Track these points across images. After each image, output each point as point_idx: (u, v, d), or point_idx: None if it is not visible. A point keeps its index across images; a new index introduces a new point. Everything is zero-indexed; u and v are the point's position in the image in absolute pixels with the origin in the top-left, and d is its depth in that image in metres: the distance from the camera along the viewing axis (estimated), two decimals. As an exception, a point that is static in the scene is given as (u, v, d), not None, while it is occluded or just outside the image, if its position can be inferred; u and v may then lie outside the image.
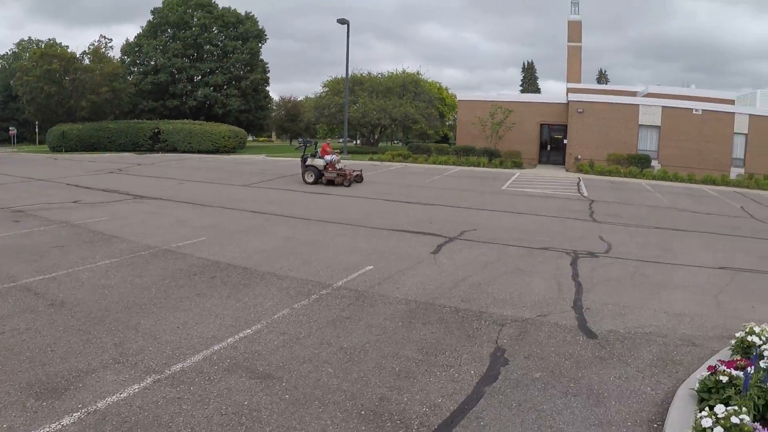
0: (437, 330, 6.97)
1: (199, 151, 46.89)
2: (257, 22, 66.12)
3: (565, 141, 40.31)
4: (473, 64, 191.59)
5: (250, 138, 77.64)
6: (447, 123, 76.26)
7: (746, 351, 5.80)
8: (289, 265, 9.93)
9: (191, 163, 34.58)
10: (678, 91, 47.79)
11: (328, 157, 24.09)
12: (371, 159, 39.40)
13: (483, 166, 36.53)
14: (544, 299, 8.40)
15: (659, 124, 37.83)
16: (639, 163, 35.90)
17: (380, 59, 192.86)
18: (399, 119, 53.07)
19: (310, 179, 23.74)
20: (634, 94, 46.92)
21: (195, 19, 62.00)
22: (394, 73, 59.07)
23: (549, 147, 43.86)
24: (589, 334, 7.01)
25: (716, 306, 8.64)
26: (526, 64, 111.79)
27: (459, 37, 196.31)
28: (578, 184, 28.64)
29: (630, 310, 8.08)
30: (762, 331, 5.87)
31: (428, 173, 31.26)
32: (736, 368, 5.05)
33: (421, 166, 36.62)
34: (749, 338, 5.86)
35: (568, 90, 47.11)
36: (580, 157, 37.47)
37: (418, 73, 60.29)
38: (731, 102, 43.38)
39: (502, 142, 40.66)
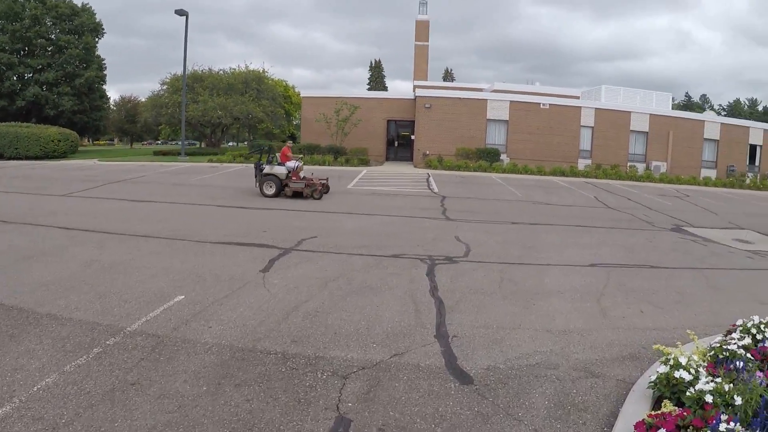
0: (255, 395, 4.97)
1: (27, 157, 41.12)
2: (94, 14, 60.06)
3: (412, 137, 39.82)
4: (322, 64, 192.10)
5: (88, 141, 70.22)
6: (294, 122, 74.38)
7: (675, 392, 4.39)
8: (78, 301, 7.34)
9: (10, 171, 29.61)
10: (523, 88, 49.99)
11: (290, 164, 20.17)
12: (210, 161, 36.36)
13: (329, 165, 34.96)
14: (399, 328, 6.74)
15: (507, 119, 38.63)
16: (488, 157, 36.11)
17: (231, 58, 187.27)
18: (241, 118, 50.25)
19: (270, 191, 19.46)
20: (480, 91, 47.73)
21: (27, 10, 55.11)
22: (237, 70, 56.02)
23: (396, 143, 43.25)
24: (462, 378, 5.41)
25: (602, 315, 7.64)
26: (373, 62, 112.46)
27: (309, 37, 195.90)
28: (427, 180, 27.83)
29: (507, 333, 6.69)
30: (689, 362, 4.53)
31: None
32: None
33: (263, 166, 34.62)
34: (676, 374, 4.46)
35: (416, 87, 47.02)
36: (428, 152, 37.09)
37: (263, 70, 57.57)
38: (576, 98, 45.88)
39: (349, 140, 39.38)
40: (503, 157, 37.64)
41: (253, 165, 21.45)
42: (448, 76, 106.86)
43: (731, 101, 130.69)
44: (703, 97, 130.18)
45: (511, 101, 39.01)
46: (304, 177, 19.96)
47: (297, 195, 19.22)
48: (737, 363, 4.86)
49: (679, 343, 5.83)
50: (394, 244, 11.71)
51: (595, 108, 39.77)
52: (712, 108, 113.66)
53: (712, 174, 41.20)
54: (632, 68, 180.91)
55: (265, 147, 22.70)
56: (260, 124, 53.58)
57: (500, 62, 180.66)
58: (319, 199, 19.07)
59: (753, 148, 44.54)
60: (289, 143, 22.43)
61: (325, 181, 20.20)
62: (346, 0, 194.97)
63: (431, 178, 28.46)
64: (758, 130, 45.35)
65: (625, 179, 35.22)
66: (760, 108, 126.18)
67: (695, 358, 4.95)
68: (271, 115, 52.82)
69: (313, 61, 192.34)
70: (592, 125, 39.28)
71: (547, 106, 38.55)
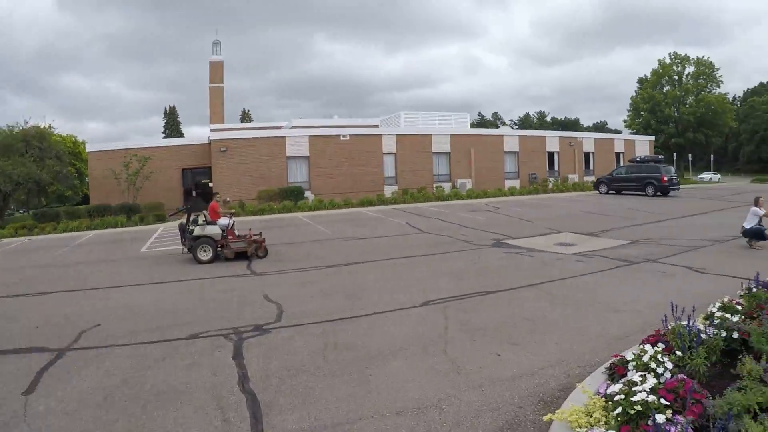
0: None
1: None
2: None
3: (211, 185, 37.32)
4: (116, 115, 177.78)
5: None
6: (87, 181, 67.70)
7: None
8: None
9: None
10: (322, 122, 49.87)
11: (223, 221, 16.97)
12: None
13: (122, 226, 31.25)
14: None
15: (308, 154, 37.67)
16: (292, 196, 34.71)
17: (17, 115, 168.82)
18: (23, 183, 44.32)
19: (206, 256, 16.09)
20: (279, 128, 46.39)
21: None
22: (13, 129, 49.39)
23: (195, 193, 40.31)
24: None
25: (456, 371, 6.36)
26: (167, 109, 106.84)
27: (101, 86, 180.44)
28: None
29: (347, 430, 5.02)
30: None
31: (57, 245, 24.64)
32: None
33: (49, 237, 29.63)
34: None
35: (212, 131, 44.53)
36: (228, 199, 34.75)
37: (48, 126, 51.42)
38: (376, 126, 46.47)
39: (143, 195, 35.91)
40: (308, 194, 36.47)
41: (178, 227, 17.80)
42: (245, 117, 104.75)
43: (521, 116, 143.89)
44: (495, 114, 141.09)
45: (310, 136, 38.14)
46: (241, 235, 16.86)
47: (240, 256, 16.11)
48: (655, 417, 3.90)
49: (572, 404, 4.62)
50: (192, 318, 9.41)
51: (396, 134, 40.37)
52: (504, 123, 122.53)
53: (516, 184, 43.46)
54: (428, 95, 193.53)
55: (183, 206, 18.86)
56: (50, 187, 47.83)
57: (299, 100, 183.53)
58: (264, 257, 16.24)
59: (551, 155, 48.21)
60: (218, 197, 18.81)
61: (258, 236, 17.08)
62: (138, 43, 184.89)
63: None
64: (554, 138, 49.36)
65: (433, 200, 35.69)
66: (548, 119, 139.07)
67: (597, 416, 4.09)
68: (59, 176, 47.43)
69: (106, 113, 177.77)
70: (395, 151, 39.76)
71: (348, 137, 38.23)
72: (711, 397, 4.40)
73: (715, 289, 10.09)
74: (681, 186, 40.71)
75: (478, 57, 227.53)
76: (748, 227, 15.12)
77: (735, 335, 5.77)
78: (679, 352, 5.20)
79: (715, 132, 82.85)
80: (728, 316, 6.15)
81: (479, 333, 7.62)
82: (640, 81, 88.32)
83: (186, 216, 17.16)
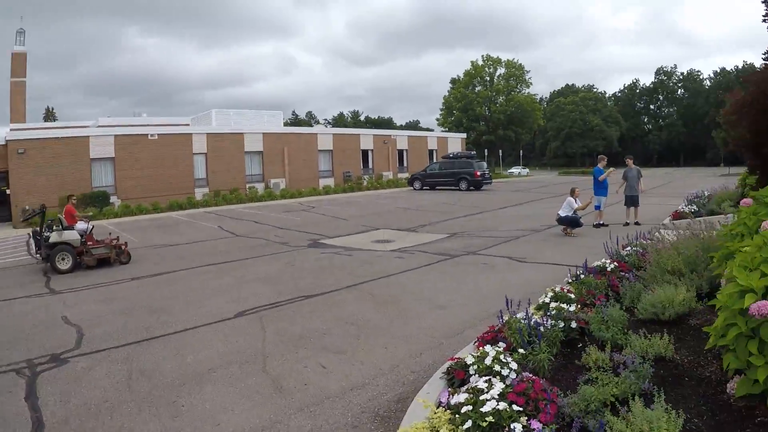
0: None
1: None
2: None
3: (8, 191, 33.16)
4: None
5: None
6: None
7: None
8: None
9: None
10: (130, 121, 45.79)
11: (81, 225, 15.05)
12: None
13: None
14: None
15: (113, 156, 34.39)
16: (97, 202, 31.68)
17: None
18: None
19: (66, 265, 13.81)
20: (85, 128, 42.43)
21: None
22: None
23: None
24: None
25: (277, 391, 5.56)
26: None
27: None
28: (28, 242, 22.83)
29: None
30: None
31: None
32: None
33: None
34: None
35: (11, 130, 39.49)
36: (28, 207, 31.04)
37: None
38: (187, 125, 43.72)
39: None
40: (114, 199, 33.43)
41: (29, 234, 15.54)
42: (49, 116, 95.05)
43: (335, 115, 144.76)
44: (310, 113, 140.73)
45: (116, 135, 34.63)
46: (101, 240, 14.75)
47: (103, 262, 14.15)
48: (512, 428, 3.50)
49: (414, 421, 4.00)
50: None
51: (207, 133, 38.16)
52: (318, 122, 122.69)
53: (330, 182, 43.15)
54: (241, 94, 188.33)
55: (38, 209, 15.49)
56: None
57: (107, 98, 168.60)
58: (127, 263, 14.42)
59: (365, 153, 48.53)
60: (74, 199, 16.36)
61: (117, 239, 15.16)
62: None
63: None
64: (368, 136, 49.71)
65: (246, 202, 34.38)
66: (362, 118, 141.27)
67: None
68: None
69: None
70: (206, 151, 37.55)
71: (156, 137, 35.37)
72: (563, 394, 4.09)
73: (539, 278, 10.28)
74: (493, 180, 42.83)
75: (293, 56, 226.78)
76: (563, 215, 15.90)
77: (573, 325, 5.62)
78: (521, 350, 4.85)
79: (525, 129, 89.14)
80: (564, 306, 5.97)
81: (301, 343, 6.88)
82: (453, 81, 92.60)
83: (43, 219, 15.04)
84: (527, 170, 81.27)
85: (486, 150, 72.26)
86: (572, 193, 16.44)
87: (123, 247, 14.81)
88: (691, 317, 6.10)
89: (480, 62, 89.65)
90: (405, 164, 52.62)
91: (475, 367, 4.38)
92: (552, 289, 6.87)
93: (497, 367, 4.29)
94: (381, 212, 24.08)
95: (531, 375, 4.36)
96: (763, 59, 8.52)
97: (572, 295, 6.54)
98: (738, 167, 77.13)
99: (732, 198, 18.67)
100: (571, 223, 15.81)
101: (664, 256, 7.48)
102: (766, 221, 5.00)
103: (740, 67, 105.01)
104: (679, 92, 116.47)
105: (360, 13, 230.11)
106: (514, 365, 4.37)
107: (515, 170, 77.72)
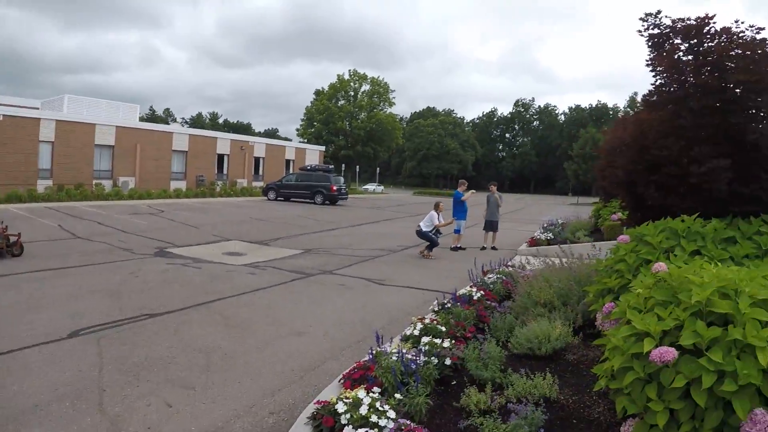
0: None
1: None
2: None
3: None
4: None
5: None
6: None
7: None
8: None
9: None
10: None
11: None
12: None
13: None
14: None
15: (-55, 136, 30.57)
16: None
17: None
18: None
19: None
20: None
21: None
22: None
23: None
24: None
25: None
26: None
27: None
28: None
29: None
30: None
31: None
32: None
33: None
34: None
35: None
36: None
37: None
38: (37, 108, 39.50)
39: None
40: (-60, 184, 29.91)
41: None
42: None
43: (194, 115, 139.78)
44: (167, 110, 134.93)
45: None
46: None
47: None
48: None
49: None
50: None
51: (57, 120, 34.59)
52: (175, 120, 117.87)
53: (182, 185, 41.17)
54: (99, 82, 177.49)
55: None
56: None
57: None
58: (20, 255, 12.96)
59: (221, 157, 46.72)
60: None
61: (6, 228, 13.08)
62: None
63: None
64: (225, 140, 47.92)
65: (92, 199, 31.69)
66: (220, 121, 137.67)
67: None
68: None
69: None
70: (53, 140, 33.98)
71: (0, 117, 31.95)
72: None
73: (401, 302, 10.01)
74: (349, 195, 42.66)
75: (157, 48, 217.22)
76: (424, 229, 15.86)
77: (447, 362, 5.28)
78: (398, 395, 4.39)
79: (383, 147, 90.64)
80: (436, 340, 5.62)
81: (143, 374, 5.94)
82: (318, 93, 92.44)
83: None
84: (382, 187, 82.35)
85: (344, 165, 72.54)
86: (436, 207, 16.45)
87: (14, 236, 13.19)
88: (567, 352, 6.00)
89: (346, 77, 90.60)
90: (260, 173, 51.41)
91: (348, 416, 3.88)
92: (420, 319, 6.55)
93: (374, 418, 3.81)
94: (234, 221, 23.01)
95: (410, 423, 3.93)
96: (642, 102, 8.74)
97: (442, 328, 6.22)
98: (585, 197, 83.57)
99: (585, 227, 19.69)
100: (429, 241, 15.78)
101: (536, 288, 7.43)
102: (659, 263, 4.91)
103: (594, 105, 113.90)
104: (534, 123, 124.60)
105: (232, 13, 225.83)
106: (392, 413, 3.91)
107: (370, 186, 78.41)
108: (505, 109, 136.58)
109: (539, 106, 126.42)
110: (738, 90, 7.54)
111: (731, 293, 3.83)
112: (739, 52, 7.62)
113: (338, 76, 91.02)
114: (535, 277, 8.20)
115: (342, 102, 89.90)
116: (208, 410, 5.14)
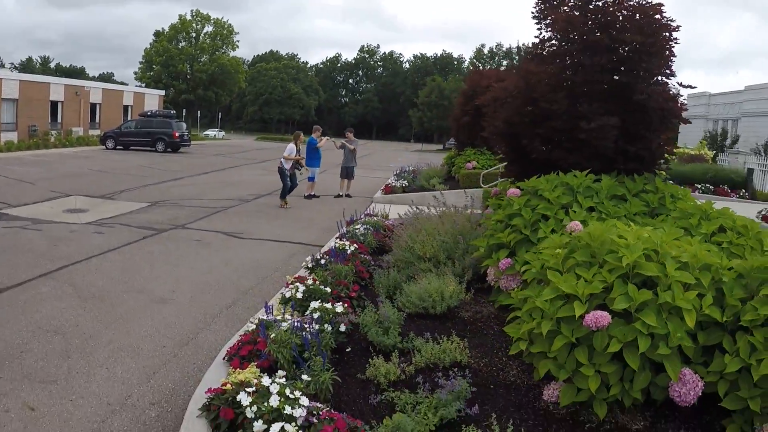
0: None
1: None
2: None
3: None
4: None
5: None
6: None
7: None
8: None
9: None
10: None
11: None
12: None
13: None
14: None
15: None
16: None
17: None
18: None
19: None
20: None
21: None
22: None
23: None
24: None
25: None
26: None
27: None
28: None
29: None
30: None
31: None
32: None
33: None
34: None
35: None
36: None
37: None
38: None
39: None
40: None
41: None
42: None
43: (23, 60, 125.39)
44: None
45: None
46: None
47: None
48: None
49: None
50: None
51: None
52: (3, 66, 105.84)
53: (13, 137, 36.46)
54: None
55: None
56: None
57: None
58: None
59: (54, 105, 41.99)
60: None
61: None
62: None
63: None
64: (59, 86, 42.99)
65: None
66: (52, 65, 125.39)
67: None
68: None
69: None
70: None
71: None
72: (368, 426, 3.43)
73: (265, 257, 9.48)
74: (192, 142, 40.52)
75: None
76: (285, 165, 15.10)
77: (342, 328, 4.85)
78: (305, 376, 3.89)
79: (225, 91, 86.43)
80: (327, 305, 5.17)
81: None
82: (157, 34, 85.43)
83: None
84: (223, 133, 78.70)
85: (184, 110, 68.89)
86: (296, 139, 15.64)
87: None
88: (460, 309, 5.76)
89: (188, 17, 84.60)
90: (97, 120, 46.80)
91: (255, 408, 3.34)
92: (299, 279, 6.10)
93: (288, 409, 3.32)
94: (72, 174, 20.69)
95: (322, 407, 3.51)
96: (529, 54, 8.60)
97: (327, 289, 5.77)
98: (428, 144, 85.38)
99: (439, 175, 19.80)
100: (283, 184, 15.10)
101: (418, 241, 7.13)
102: (574, 222, 4.73)
103: (439, 55, 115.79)
104: (379, 70, 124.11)
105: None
106: (305, 400, 3.42)
107: (211, 132, 74.22)
108: (349, 55, 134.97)
109: (384, 53, 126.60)
110: (629, 51, 7.52)
111: (653, 255, 3.77)
112: (632, 14, 7.63)
113: (180, 16, 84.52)
114: (413, 228, 7.88)
115: (183, 44, 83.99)
116: (77, 409, 4.34)
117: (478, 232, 7.30)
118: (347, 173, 17.73)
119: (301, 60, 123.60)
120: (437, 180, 18.69)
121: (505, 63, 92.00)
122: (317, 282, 6.03)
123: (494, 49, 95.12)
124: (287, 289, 5.97)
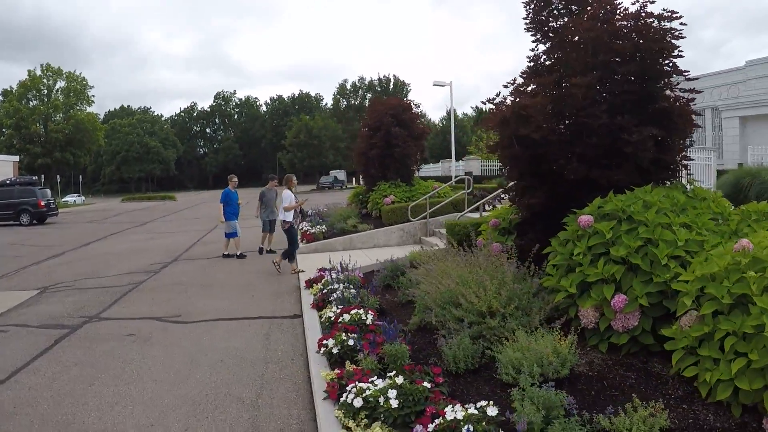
0: None
1: None
2: None
3: None
4: None
5: None
6: None
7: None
8: None
9: None
10: None
11: None
12: None
13: None
14: None
15: None
16: None
17: None
18: None
19: None
20: None
21: None
22: None
23: None
24: None
25: None
26: None
27: None
28: None
29: None
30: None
31: None
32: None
33: None
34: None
35: None
36: None
37: None
38: None
39: None
40: None
41: None
42: None
43: None
44: None
45: None
46: None
47: None
48: None
49: None
50: None
51: None
52: None
53: None
54: None
55: None
56: None
57: None
58: None
59: None
60: None
61: None
62: None
63: None
64: None
65: None
66: None
67: None
68: None
69: None
70: None
71: None
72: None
73: (237, 346, 7.24)
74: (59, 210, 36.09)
75: None
76: (288, 218, 12.36)
77: None
78: None
79: (84, 152, 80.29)
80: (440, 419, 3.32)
81: None
82: (5, 93, 78.10)
83: None
84: (83, 198, 71.64)
85: (43, 175, 62.65)
86: (288, 183, 12.88)
87: None
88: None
89: (38, 72, 78.12)
90: None
91: None
92: (340, 377, 4.65)
93: None
94: None
95: None
96: (549, 69, 8.04)
97: (399, 381, 4.31)
98: (301, 185, 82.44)
99: (354, 215, 18.35)
100: (291, 242, 12.37)
101: (463, 294, 5.93)
102: (743, 240, 4.35)
103: (296, 95, 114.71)
104: (236, 117, 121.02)
105: None
106: None
107: (70, 199, 66.96)
108: (205, 104, 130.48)
109: (240, 99, 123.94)
110: (649, 58, 6.98)
111: None
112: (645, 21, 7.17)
113: (29, 71, 77.69)
114: (444, 277, 6.43)
115: (35, 102, 77.49)
116: None
117: (517, 272, 6.37)
118: (270, 226, 15.45)
119: (155, 113, 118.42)
120: (355, 220, 17.23)
121: (369, 95, 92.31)
122: (371, 375, 4.52)
123: (357, 83, 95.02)
124: (329, 402, 4.45)
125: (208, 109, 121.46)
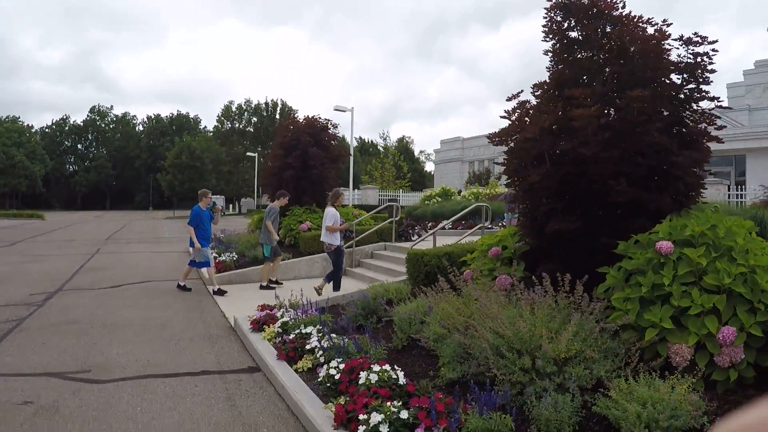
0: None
1: None
2: None
3: None
4: None
5: None
6: None
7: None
8: None
9: None
10: None
11: None
12: None
13: None
14: None
15: None
16: None
17: None
18: None
19: None
20: None
21: None
22: None
23: None
24: None
25: None
26: None
27: None
28: None
29: None
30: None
31: None
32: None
33: None
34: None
35: None
36: None
37: None
38: None
39: None
40: None
41: None
42: None
43: None
44: None
45: None
46: None
47: None
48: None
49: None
50: None
51: None
52: None
53: None
54: None
55: None
56: None
57: None
58: None
59: None
60: None
61: None
62: None
63: None
64: None
65: None
66: None
67: None
68: None
69: None
70: None
71: None
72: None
73: (190, 417, 5.24)
74: None
75: None
76: (336, 242, 10.92)
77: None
78: None
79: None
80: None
81: None
82: None
83: None
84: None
85: None
86: (335, 199, 11.17)
87: None
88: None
89: None
90: None
91: None
92: None
93: None
94: None
95: None
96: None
97: None
98: (166, 210, 77.87)
99: (252, 242, 16.54)
100: (336, 265, 10.77)
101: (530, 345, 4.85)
102: None
103: (174, 115, 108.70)
104: (109, 134, 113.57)
105: None
106: None
107: None
108: (79, 118, 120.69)
109: (116, 115, 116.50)
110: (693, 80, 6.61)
111: None
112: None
113: None
114: (486, 319, 5.20)
115: None
116: None
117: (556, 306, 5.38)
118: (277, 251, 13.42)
119: (25, 123, 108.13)
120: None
121: (254, 119, 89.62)
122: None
123: (243, 106, 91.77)
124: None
125: (81, 124, 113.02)
